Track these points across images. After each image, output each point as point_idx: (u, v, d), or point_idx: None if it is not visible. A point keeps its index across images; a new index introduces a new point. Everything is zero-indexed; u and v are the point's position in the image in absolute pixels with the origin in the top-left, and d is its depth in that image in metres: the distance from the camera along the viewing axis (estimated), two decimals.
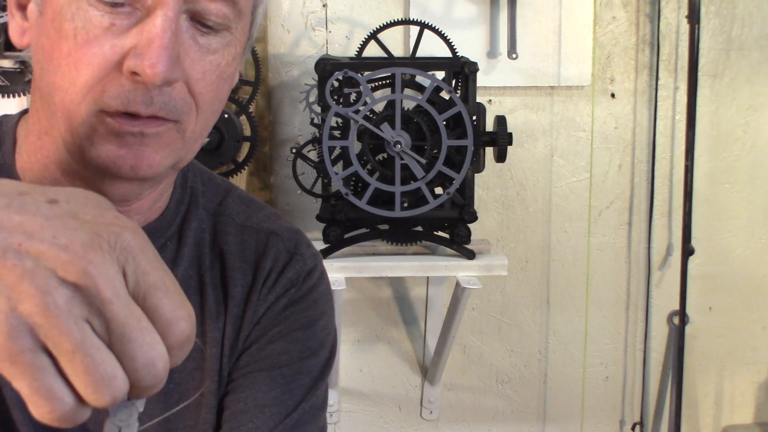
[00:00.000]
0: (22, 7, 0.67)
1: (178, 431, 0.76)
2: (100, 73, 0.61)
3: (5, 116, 0.75)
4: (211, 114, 0.68)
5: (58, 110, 0.63)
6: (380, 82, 1.51)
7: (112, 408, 0.45)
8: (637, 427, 1.89)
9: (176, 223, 0.78)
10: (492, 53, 1.71)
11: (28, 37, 0.67)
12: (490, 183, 1.79)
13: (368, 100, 1.43)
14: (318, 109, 1.50)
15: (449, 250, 1.54)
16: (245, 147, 1.57)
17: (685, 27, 1.72)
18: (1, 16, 1.39)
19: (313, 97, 1.53)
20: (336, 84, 1.44)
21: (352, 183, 1.49)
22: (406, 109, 1.45)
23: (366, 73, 1.46)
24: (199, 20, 0.64)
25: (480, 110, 1.52)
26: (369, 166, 1.47)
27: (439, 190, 1.49)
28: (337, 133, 1.47)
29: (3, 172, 0.71)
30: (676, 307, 1.79)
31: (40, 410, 0.41)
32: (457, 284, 1.52)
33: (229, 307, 0.78)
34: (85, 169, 0.66)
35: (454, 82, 1.50)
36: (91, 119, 0.62)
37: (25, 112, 0.75)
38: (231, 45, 0.67)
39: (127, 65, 0.60)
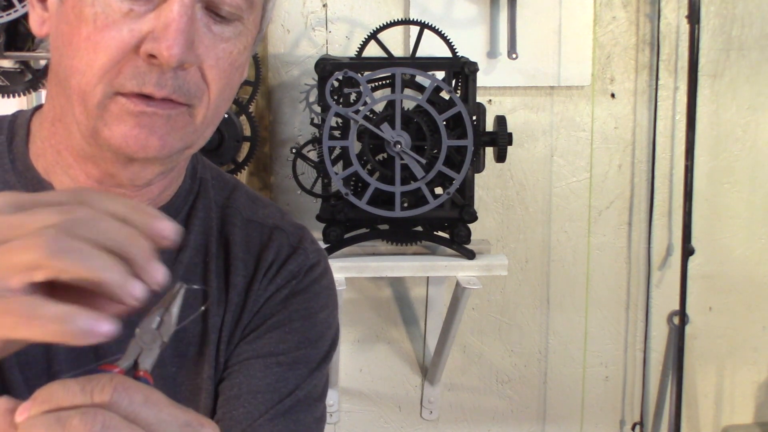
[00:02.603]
0: (44, 0, 0.70)
1: None
2: (117, 56, 0.64)
3: (20, 111, 0.79)
4: (222, 102, 0.71)
5: (74, 93, 0.66)
6: (380, 82, 1.50)
7: (139, 330, 0.49)
8: (637, 427, 1.89)
9: (184, 211, 0.80)
10: (492, 53, 1.71)
11: (47, 27, 0.70)
12: (490, 183, 1.79)
13: (368, 100, 1.43)
14: (318, 109, 1.50)
15: (449, 250, 1.54)
16: (245, 147, 1.57)
17: (685, 27, 1.72)
18: (1, 16, 1.39)
19: (313, 97, 1.53)
20: (336, 84, 1.44)
21: (352, 183, 1.49)
22: (406, 109, 1.45)
23: (366, 73, 1.46)
24: (213, 10, 0.67)
25: (480, 110, 1.52)
26: (369, 166, 1.47)
27: (439, 190, 1.49)
28: (337, 133, 1.46)
29: (17, 159, 0.74)
30: (676, 307, 1.79)
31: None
32: (457, 284, 1.52)
33: (230, 295, 0.80)
34: (98, 152, 0.69)
35: (454, 82, 1.50)
36: (105, 101, 0.65)
37: (39, 107, 0.78)
38: (243, 35, 0.69)
39: (144, 48, 0.63)
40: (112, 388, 0.44)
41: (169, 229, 0.50)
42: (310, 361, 0.81)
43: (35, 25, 0.71)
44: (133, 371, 0.49)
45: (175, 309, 0.51)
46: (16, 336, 0.45)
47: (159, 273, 0.48)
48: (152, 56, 0.63)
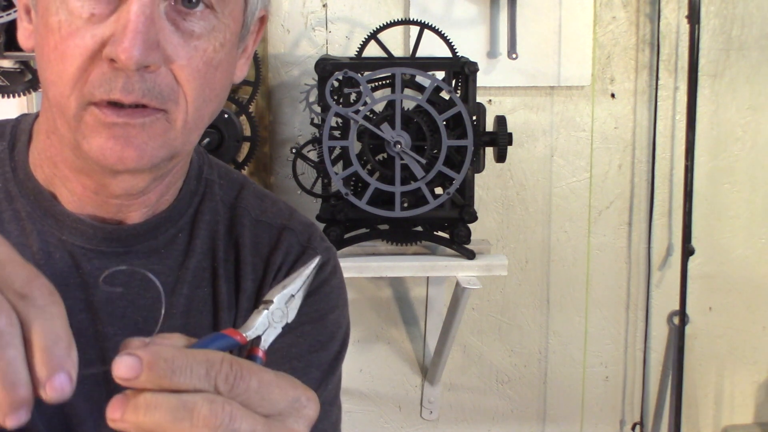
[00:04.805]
0: (29, 12, 0.69)
1: None
2: (83, 64, 0.62)
3: (24, 115, 0.77)
4: (204, 103, 0.67)
5: (54, 106, 0.65)
6: (380, 82, 1.51)
7: (274, 304, 0.48)
8: (637, 427, 1.89)
9: (188, 215, 0.78)
10: (492, 53, 1.71)
11: (32, 40, 0.68)
12: (490, 183, 1.79)
13: (368, 100, 1.43)
14: (318, 109, 1.50)
15: (449, 250, 1.54)
16: (245, 147, 1.57)
17: (685, 27, 1.72)
18: (1, 16, 1.39)
19: (313, 97, 1.53)
20: (336, 84, 1.44)
21: (352, 183, 1.49)
22: (406, 109, 1.45)
23: (366, 73, 1.46)
24: (181, 1, 0.64)
25: (480, 110, 1.52)
26: (369, 166, 1.47)
27: (439, 190, 1.49)
28: (337, 133, 1.46)
29: (19, 168, 0.73)
30: (676, 307, 1.79)
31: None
32: (457, 284, 1.52)
33: (240, 300, 0.79)
34: (86, 164, 0.67)
35: (454, 82, 1.50)
36: (80, 112, 0.63)
37: None
38: (217, 30, 0.66)
39: (105, 53, 0.61)
40: (234, 376, 0.44)
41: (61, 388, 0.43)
42: (322, 364, 0.80)
43: (23, 39, 0.70)
44: (253, 346, 0.48)
45: (304, 289, 0.48)
46: None
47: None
48: (114, 60, 0.61)
